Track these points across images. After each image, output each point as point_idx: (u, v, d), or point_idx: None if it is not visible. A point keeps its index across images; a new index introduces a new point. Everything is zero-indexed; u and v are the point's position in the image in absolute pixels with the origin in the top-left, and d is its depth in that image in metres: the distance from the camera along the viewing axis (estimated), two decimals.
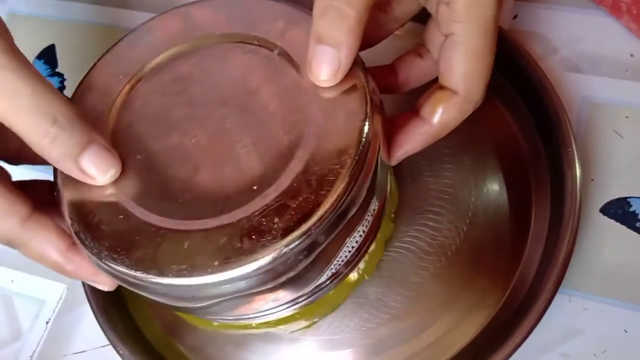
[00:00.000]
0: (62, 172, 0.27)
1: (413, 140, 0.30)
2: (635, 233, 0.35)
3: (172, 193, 0.26)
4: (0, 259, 0.42)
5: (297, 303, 0.29)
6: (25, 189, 0.27)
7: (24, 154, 0.30)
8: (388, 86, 0.33)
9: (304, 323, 0.34)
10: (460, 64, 0.28)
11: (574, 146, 0.35)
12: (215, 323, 0.32)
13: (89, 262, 0.27)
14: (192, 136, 0.27)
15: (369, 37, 0.26)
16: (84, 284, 0.37)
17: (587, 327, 0.34)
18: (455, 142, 0.39)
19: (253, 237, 0.24)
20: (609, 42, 0.41)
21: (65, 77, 0.48)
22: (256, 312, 0.29)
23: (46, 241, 0.27)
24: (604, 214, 0.36)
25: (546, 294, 0.32)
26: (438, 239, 0.36)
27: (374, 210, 0.28)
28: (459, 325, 0.34)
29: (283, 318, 0.31)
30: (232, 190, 0.25)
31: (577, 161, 0.35)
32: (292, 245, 0.24)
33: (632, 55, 0.40)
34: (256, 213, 0.24)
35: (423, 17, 0.32)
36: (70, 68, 0.48)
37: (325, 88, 0.27)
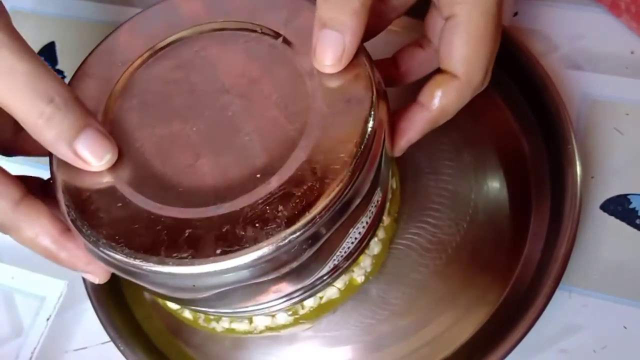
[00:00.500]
0: (57, 158, 0.26)
1: (414, 127, 0.29)
2: (635, 230, 0.35)
3: (173, 181, 0.25)
4: (1, 256, 0.42)
5: (297, 296, 0.29)
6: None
7: (17, 145, 0.30)
8: (390, 78, 0.33)
9: (308, 325, 0.34)
10: (460, 46, 0.27)
11: (574, 143, 0.35)
12: (219, 329, 0.31)
13: (83, 250, 0.26)
14: (193, 124, 0.27)
15: (368, 28, 0.26)
16: (84, 280, 0.37)
17: (586, 323, 0.34)
18: (456, 140, 0.39)
19: (256, 225, 0.23)
20: (609, 39, 0.41)
21: (65, 74, 0.48)
22: (256, 305, 0.28)
23: (38, 226, 0.26)
24: (604, 211, 0.36)
25: (546, 290, 0.32)
26: (438, 236, 0.36)
27: (377, 201, 0.28)
28: (459, 322, 0.34)
29: (287, 323, 0.31)
30: (235, 178, 0.25)
31: (577, 158, 0.35)
32: (297, 234, 0.23)
33: (632, 53, 0.40)
34: (260, 201, 0.24)
35: (422, 13, 0.32)
36: (71, 65, 0.48)
37: (330, 76, 0.26)
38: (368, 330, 0.35)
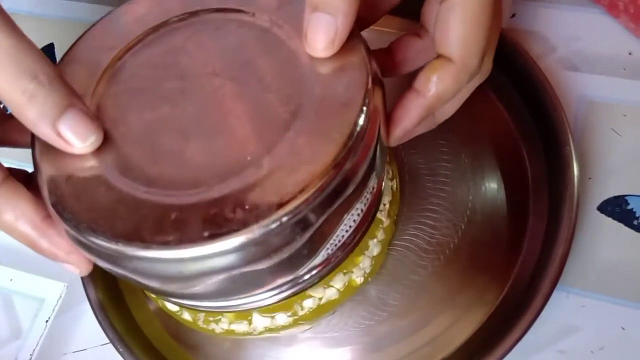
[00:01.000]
0: (40, 141, 0.25)
1: (409, 115, 0.28)
2: (633, 231, 0.36)
3: (160, 165, 0.24)
4: (0, 258, 0.42)
5: (289, 289, 0.28)
6: None
7: (3, 135, 0.29)
8: (385, 68, 0.32)
9: (307, 326, 0.34)
10: (456, 28, 0.27)
11: (571, 144, 0.35)
12: (218, 330, 0.31)
13: (65, 238, 0.25)
14: (182, 108, 0.26)
15: (361, 16, 0.26)
16: (83, 282, 0.37)
17: (584, 324, 0.34)
18: (453, 141, 0.39)
19: (246, 208, 0.22)
20: (607, 40, 0.41)
21: None
22: (246, 297, 0.27)
23: (19, 209, 0.25)
24: (602, 212, 0.36)
25: (544, 291, 0.33)
26: (436, 237, 0.36)
27: (372, 188, 0.27)
28: (457, 323, 0.34)
29: (287, 325, 0.31)
30: (225, 161, 0.24)
31: (574, 159, 0.35)
32: (288, 217, 0.22)
33: (630, 54, 0.40)
34: (250, 184, 0.23)
35: (418, 14, 0.32)
36: None
37: (324, 60, 0.25)
38: (367, 331, 0.35)
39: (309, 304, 0.31)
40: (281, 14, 0.27)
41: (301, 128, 0.24)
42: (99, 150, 0.25)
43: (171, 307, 0.32)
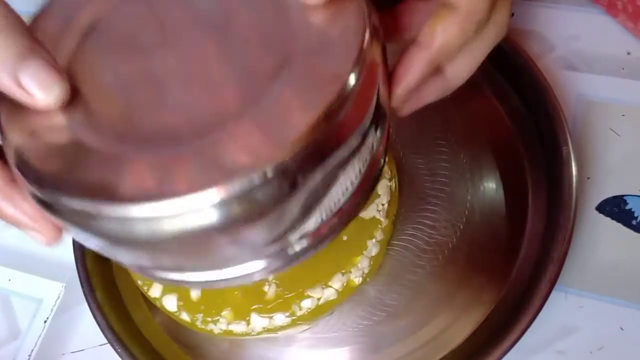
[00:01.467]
0: (5, 102, 0.23)
1: (412, 70, 0.26)
2: (631, 231, 0.36)
3: (136, 119, 0.22)
4: None
5: (279, 259, 0.25)
6: None
7: None
8: (390, 32, 0.29)
9: (305, 327, 0.34)
10: None
11: (570, 144, 0.35)
12: (217, 331, 0.32)
13: (31, 203, 0.23)
14: (160, 60, 0.24)
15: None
16: (81, 282, 0.37)
17: (583, 324, 0.34)
18: (452, 141, 0.39)
19: (227, 161, 0.20)
20: (606, 40, 0.41)
21: None
22: (229, 265, 0.25)
23: None
24: (600, 212, 0.36)
25: (542, 291, 0.32)
26: (435, 237, 0.36)
27: (373, 147, 0.24)
28: (455, 323, 0.34)
29: (285, 325, 0.31)
30: (205, 114, 0.22)
31: (573, 159, 0.35)
32: (274, 171, 0.20)
33: (628, 54, 0.40)
34: (232, 136, 0.21)
35: None
36: None
37: (317, 10, 0.23)
38: (365, 332, 0.35)
39: (307, 304, 0.31)
40: None
41: (289, 78, 0.22)
42: (68, 107, 0.23)
43: (169, 307, 0.32)
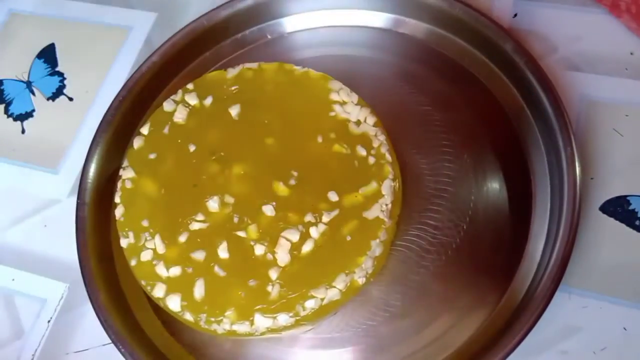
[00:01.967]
0: None
1: None
2: (635, 231, 0.36)
3: None
4: (2, 258, 0.42)
5: None
6: None
7: None
8: None
9: (309, 327, 0.34)
10: None
11: (573, 145, 0.35)
12: (220, 331, 0.32)
13: None
14: None
15: None
16: (85, 282, 0.37)
17: (586, 324, 0.34)
18: (455, 141, 0.39)
19: None
20: (609, 40, 0.41)
21: (65, 76, 0.48)
22: None
23: None
24: (604, 212, 0.36)
25: (546, 291, 0.33)
26: (438, 237, 0.36)
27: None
28: (459, 323, 0.34)
29: (288, 325, 0.31)
30: None
31: (576, 159, 0.35)
32: None
33: (631, 54, 0.40)
34: None
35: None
36: (70, 67, 0.48)
37: None
38: (369, 332, 0.35)
39: (311, 304, 0.31)
40: None
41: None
42: None
43: (173, 307, 0.32)
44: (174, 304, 0.32)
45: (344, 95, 0.35)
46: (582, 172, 0.35)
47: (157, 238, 0.33)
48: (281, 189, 0.33)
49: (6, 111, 0.48)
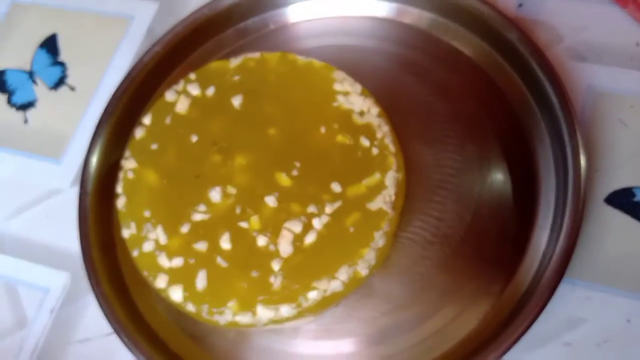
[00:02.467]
0: None
1: None
2: None
3: None
4: (4, 247, 0.42)
5: None
6: None
7: None
8: None
9: (311, 319, 0.34)
10: None
11: (578, 136, 0.35)
12: (222, 322, 0.31)
13: None
14: None
15: None
16: (87, 272, 0.37)
17: (590, 316, 0.34)
18: (460, 132, 0.39)
19: None
20: (615, 31, 0.40)
21: (67, 66, 0.48)
22: None
23: None
24: (609, 204, 0.36)
25: (550, 283, 0.32)
26: (442, 228, 0.36)
27: None
28: (462, 315, 0.34)
29: (291, 316, 0.31)
30: None
31: (581, 151, 0.34)
32: None
33: (637, 45, 0.40)
34: None
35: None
36: (73, 57, 0.48)
37: None
38: (372, 323, 0.35)
39: (313, 296, 0.31)
40: None
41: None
42: None
43: (175, 298, 0.32)
44: (176, 295, 0.32)
45: (348, 86, 0.35)
46: (588, 163, 0.34)
47: (159, 229, 0.33)
48: (284, 179, 0.33)
49: (9, 101, 0.47)
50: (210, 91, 0.36)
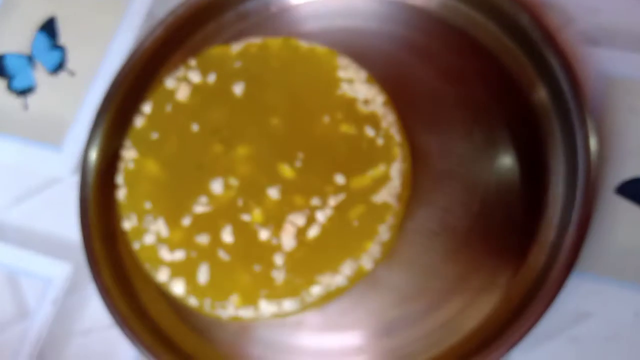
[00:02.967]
0: None
1: None
2: None
3: None
4: (6, 237, 0.42)
5: None
6: None
7: None
8: None
9: (315, 311, 0.34)
10: None
11: (589, 123, 0.34)
12: (225, 316, 0.31)
13: None
14: None
15: None
16: (89, 263, 0.37)
17: (598, 310, 0.33)
18: (467, 117, 0.38)
19: None
20: (629, 14, 0.39)
21: (66, 50, 0.47)
22: None
23: None
24: (620, 194, 0.35)
25: (559, 275, 0.32)
26: (448, 219, 0.35)
27: None
28: (469, 308, 0.34)
29: (295, 311, 0.30)
30: None
31: (593, 139, 0.33)
32: None
33: None
34: None
35: None
36: (72, 41, 0.47)
37: None
38: (377, 316, 0.35)
39: (317, 290, 0.30)
40: None
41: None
42: None
43: (177, 291, 0.32)
44: (177, 288, 0.32)
45: (352, 72, 0.34)
46: (598, 152, 0.33)
47: (160, 221, 0.33)
48: (287, 171, 0.32)
49: (9, 86, 0.47)
50: (212, 78, 0.35)
